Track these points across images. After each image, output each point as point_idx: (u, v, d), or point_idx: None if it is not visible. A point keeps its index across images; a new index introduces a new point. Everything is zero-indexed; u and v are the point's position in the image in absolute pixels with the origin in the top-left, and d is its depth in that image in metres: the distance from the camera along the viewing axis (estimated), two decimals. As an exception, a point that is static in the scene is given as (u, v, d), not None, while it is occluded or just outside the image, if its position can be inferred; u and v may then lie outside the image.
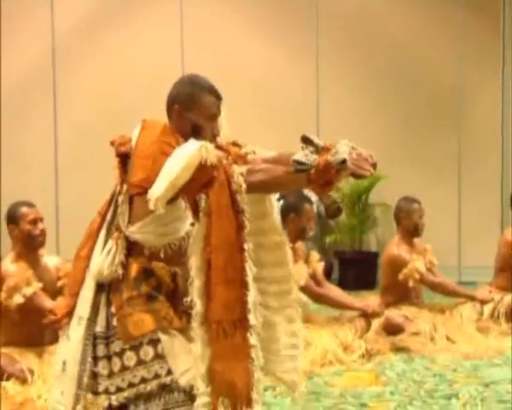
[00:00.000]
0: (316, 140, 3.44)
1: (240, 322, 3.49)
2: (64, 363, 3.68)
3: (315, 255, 7.01)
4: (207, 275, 3.47)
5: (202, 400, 3.42)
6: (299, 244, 6.58)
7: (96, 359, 3.63)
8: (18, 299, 5.62)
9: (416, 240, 7.29)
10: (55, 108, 10.43)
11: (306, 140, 3.45)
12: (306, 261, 6.80)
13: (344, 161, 3.28)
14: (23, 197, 6.00)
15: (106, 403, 3.64)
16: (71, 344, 3.67)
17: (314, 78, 10.04)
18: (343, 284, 8.52)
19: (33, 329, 5.76)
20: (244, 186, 3.47)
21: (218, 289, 3.45)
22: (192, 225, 3.67)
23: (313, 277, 6.81)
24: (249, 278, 3.49)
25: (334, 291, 7.05)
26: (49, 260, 5.99)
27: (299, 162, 3.36)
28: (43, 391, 5.44)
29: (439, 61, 9.87)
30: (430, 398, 5.48)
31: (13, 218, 5.77)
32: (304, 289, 6.43)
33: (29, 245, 5.75)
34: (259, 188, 3.57)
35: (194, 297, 3.47)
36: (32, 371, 5.61)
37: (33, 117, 10.48)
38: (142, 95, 9.75)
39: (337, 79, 10.02)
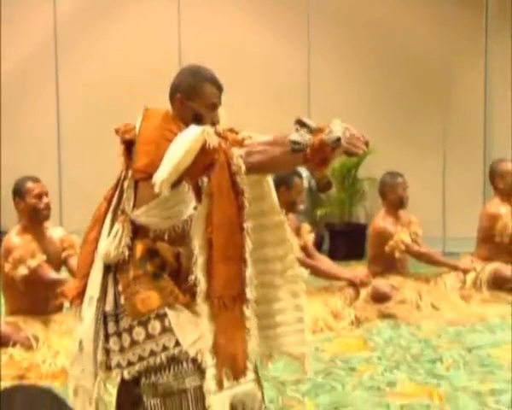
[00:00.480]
0: (309, 122, 3.47)
1: (238, 297, 3.53)
2: (80, 342, 3.72)
3: (306, 227, 7.03)
4: (209, 253, 3.51)
5: (210, 372, 3.48)
6: (290, 217, 6.58)
7: (107, 336, 3.65)
8: (22, 270, 5.64)
9: (401, 212, 7.31)
10: (57, 87, 10.43)
11: (300, 122, 3.48)
12: (298, 234, 6.81)
13: (338, 140, 3.32)
14: (28, 173, 6.02)
15: (118, 377, 3.69)
16: (84, 324, 3.70)
17: (305, 61, 10.03)
18: (333, 254, 8.58)
19: (38, 298, 5.81)
20: (243, 168, 3.50)
21: (219, 267, 3.49)
22: (195, 208, 3.70)
23: (304, 248, 6.83)
24: (247, 255, 3.54)
25: (324, 263, 7.07)
26: (54, 232, 6.02)
27: (295, 142, 3.39)
28: (48, 357, 5.49)
29: (426, 45, 9.86)
30: (416, 362, 5.53)
31: (19, 192, 5.79)
32: None
33: (34, 218, 5.77)
34: (258, 169, 3.60)
35: (198, 275, 3.51)
36: (36, 338, 5.63)
37: (36, 97, 10.48)
38: (141, 74, 9.80)
39: (327, 62, 10.01)
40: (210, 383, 3.48)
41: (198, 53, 9.75)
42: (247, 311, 3.55)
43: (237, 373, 3.53)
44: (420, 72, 9.88)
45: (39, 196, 5.76)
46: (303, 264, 6.64)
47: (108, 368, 3.67)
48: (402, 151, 9.60)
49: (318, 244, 7.85)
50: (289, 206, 6.53)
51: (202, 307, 3.53)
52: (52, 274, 5.74)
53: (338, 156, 3.46)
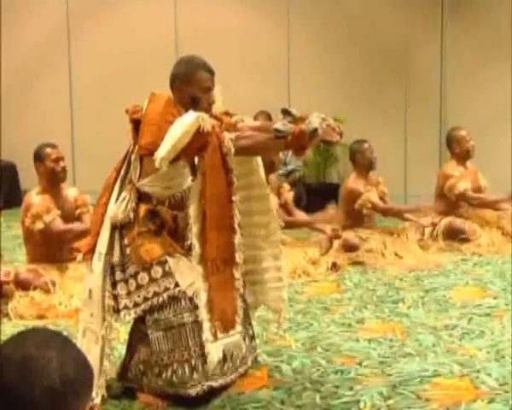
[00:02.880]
0: (293, 111, 3.59)
1: (229, 260, 3.67)
2: (90, 291, 3.80)
3: (286, 186, 7.05)
4: (203, 222, 3.61)
5: (206, 325, 3.61)
6: (272, 177, 6.58)
7: (114, 284, 3.74)
8: (39, 225, 5.66)
9: (370, 174, 7.32)
10: (69, 61, 10.40)
11: (285, 112, 3.60)
12: (278, 192, 6.84)
13: (315, 130, 3.43)
14: (44, 140, 6.03)
15: (127, 317, 3.80)
16: (94, 276, 3.78)
17: (285, 37, 10.00)
18: (310, 210, 8.58)
19: (54, 249, 5.82)
20: (233, 150, 3.61)
21: (212, 234, 3.61)
22: (192, 180, 3.80)
23: (285, 205, 6.85)
24: (236, 225, 3.66)
25: (300, 216, 7.09)
26: (69, 191, 6.03)
27: (278, 130, 3.50)
28: (64, 299, 5.52)
29: (390, 22, 9.82)
30: (381, 303, 5.61)
31: (39, 157, 5.80)
32: None
33: (52, 180, 5.78)
34: (245, 151, 3.70)
35: (194, 240, 3.62)
36: (54, 283, 5.65)
37: (50, 71, 10.45)
38: (144, 48, 9.80)
39: (305, 39, 9.99)
40: (207, 334, 3.62)
41: (190, 31, 9.80)
42: (236, 273, 3.69)
43: (227, 326, 3.68)
44: (384, 49, 9.86)
45: (56, 161, 5.76)
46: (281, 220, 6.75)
47: (116, 311, 3.77)
48: (369, 119, 9.60)
49: (297, 201, 7.88)
50: (269, 167, 6.53)
51: (197, 268, 3.65)
52: (61, 225, 5.74)
53: (315, 144, 3.61)
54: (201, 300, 3.63)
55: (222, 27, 9.96)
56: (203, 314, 3.63)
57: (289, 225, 6.92)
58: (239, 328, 3.79)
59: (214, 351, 3.66)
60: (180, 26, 10.03)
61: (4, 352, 1.56)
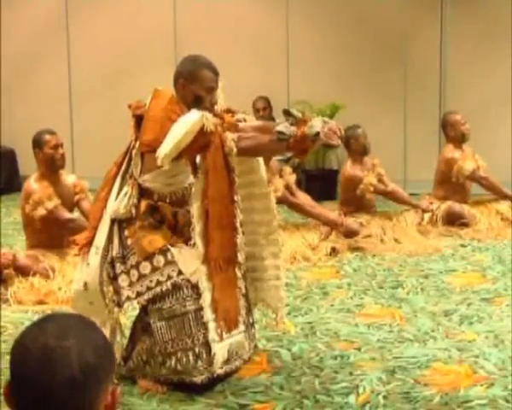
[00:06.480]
0: (295, 113, 3.63)
1: (231, 259, 3.71)
2: (85, 283, 3.81)
3: (287, 169, 7.04)
4: (206, 222, 3.64)
5: (211, 325, 3.66)
6: (273, 161, 6.56)
7: (115, 277, 3.74)
8: (41, 211, 5.67)
9: (365, 158, 7.30)
10: (68, 47, 10.37)
11: (287, 112, 3.64)
12: (280, 175, 6.86)
13: (317, 134, 3.49)
14: (43, 126, 6.02)
15: (130, 309, 3.83)
16: (90, 269, 3.79)
17: (284, 23, 9.98)
18: (309, 196, 8.62)
19: (53, 235, 5.83)
20: (235, 150, 3.63)
21: (215, 233, 3.65)
22: (193, 178, 3.82)
23: (287, 187, 6.86)
24: (238, 224, 3.68)
25: (306, 200, 7.05)
26: (68, 178, 6.04)
27: (280, 133, 3.54)
28: (63, 285, 5.52)
29: (390, 6, 9.79)
30: (380, 288, 5.62)
31: (38, 143, 5.78)
32: (281, 199, 6.51)
33: (51, 167, 5.77)
34: (247, 152, 3.74)
35: (197, 240, 3.65)
36: (53, 269, 5.66)
37: (49, 57, 10.43)
38: (142, 37, 9.75)
39: (304, 25, 9.95)
40: (213, 335, 3.65)
41: (189, 18, 9.76)
42: (238, 272, 3.73)
43: (231, 325, 3.72)
44: (383, 34, 9.83)
45: (55, 147, 5.75)
46: (289, 202, 6.79)
47: (118, 305, 3.78)
48: (368, 105, 9.58)
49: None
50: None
51: (200, 268, 3.67)
52: (66, 214, 5.81)
53: (317, 147, 3.66)
54: (206, 300, 3.66)
55: (221, 15, 9.92)
56: (208, 315, 3.66)
57: (295, 209, 6.98)
58: (242, 327, 3.82)
59: (219, 352, 3.70)
60: (179, 14, 9.98)
61: (23, 342, 1.56)
